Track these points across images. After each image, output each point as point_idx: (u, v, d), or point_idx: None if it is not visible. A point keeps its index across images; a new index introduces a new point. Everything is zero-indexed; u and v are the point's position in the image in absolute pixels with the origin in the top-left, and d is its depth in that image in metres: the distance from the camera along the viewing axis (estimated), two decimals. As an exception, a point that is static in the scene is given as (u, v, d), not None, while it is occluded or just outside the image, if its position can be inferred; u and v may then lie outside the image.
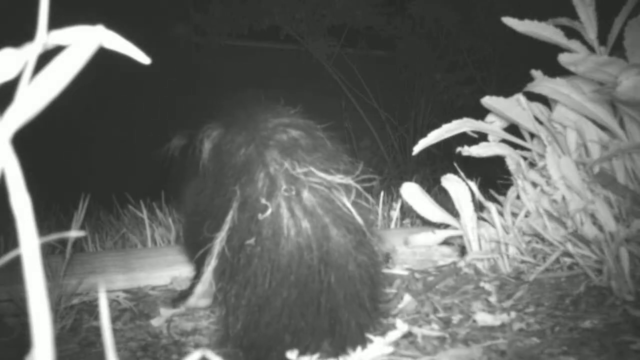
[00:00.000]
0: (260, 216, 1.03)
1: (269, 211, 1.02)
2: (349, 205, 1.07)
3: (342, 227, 1.06)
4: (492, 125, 1.74)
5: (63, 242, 1.69)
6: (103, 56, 0.57)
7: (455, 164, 1.72)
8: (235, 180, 1.09)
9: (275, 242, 1.02)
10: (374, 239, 1.13)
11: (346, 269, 1.04)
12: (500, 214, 1.61)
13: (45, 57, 0.42)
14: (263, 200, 1.03)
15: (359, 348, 1.04)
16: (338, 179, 1.08)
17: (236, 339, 1.06)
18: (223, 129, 1.25)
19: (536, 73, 1.65)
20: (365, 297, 1.07)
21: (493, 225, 1.59)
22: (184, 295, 1.45)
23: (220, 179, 1.15)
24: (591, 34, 1.59)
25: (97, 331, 1.31)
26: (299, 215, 1.03)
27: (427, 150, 1.86)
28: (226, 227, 1.07)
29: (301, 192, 1.04)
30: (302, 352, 1.01)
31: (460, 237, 1.69)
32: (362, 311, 1.07)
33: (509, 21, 1.64)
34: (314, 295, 1.02)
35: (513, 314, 1.22)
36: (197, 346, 1.18)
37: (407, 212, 2.55)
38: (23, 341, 1.26)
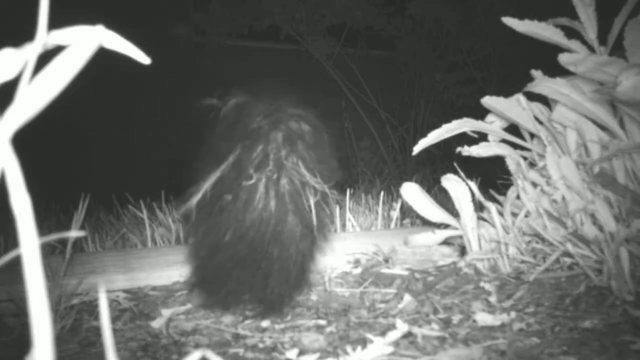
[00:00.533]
0: (243, 182, 1.23)
1: (251, 181, 1.23)
2: (312, 204, 1.27)
3: (299, 218, 1.27)
4: (492, 125, 1.74)
5: (63, 242, 1.69)
6: (103, 56, 0.57)
7: (455, 164, 1.72)
8: (240, 139, 1.27)
9: (245, 206, 1.23)
10: (319, 237, 1.34)
11: (288, 249, 1.27)
12: (500, 214, 1.61)
13: (45, 57, 0.42)
14: (251, 170, 1.22)
15: (280, 309, 1.32)
16: (315, 182, 1.27)
17: (195, 271, 1.35)
18: (250, 98, 1.43)
19: (536, 73, 1.65)
20: (293, 277, 1.30)
21: (493, 225, 1.59)
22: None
23: (231, 131, 1.33)
24: (591, 34, 1.60)
25: (97, 331, 1.31)
26: (271, 195, 1.24)
27: (427, 150, 1.86)
28: (217, 174, 1.26)
29: (281, 178, 1.24)
30: (238, 294, 1.30)
31: (460, 237, 1.69)
32: (286, 285, 1.30)
33: (509, 21, 1.64)
34: (258, 258, 1.26)
35: (513, 314, 1.22)
36: (197, 346, 1.18)
37: (407, 212, 2.55)
38: (23, 341, 1.26)
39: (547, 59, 1.55)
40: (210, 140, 1.45)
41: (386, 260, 1.74)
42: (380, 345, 1.07)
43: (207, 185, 1.26)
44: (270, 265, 1.27)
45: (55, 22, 0.44)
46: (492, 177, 1.95)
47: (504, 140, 1.74)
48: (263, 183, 1.23)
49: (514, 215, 1.61)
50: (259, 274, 1.28)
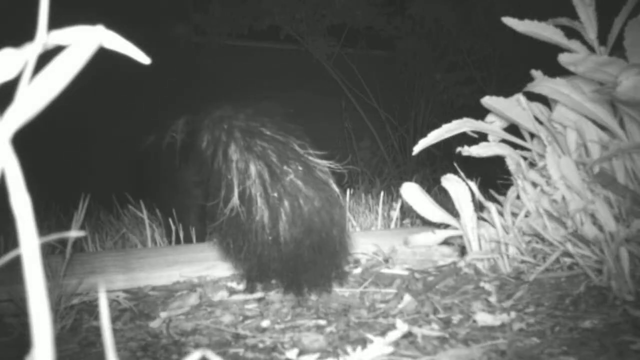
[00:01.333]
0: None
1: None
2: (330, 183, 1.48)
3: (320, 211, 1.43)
4: (492, 125, 1.74)
5: (63, 242, 1.69)
6: (103, 56, 0.57)
7: (455, 164, 1.72)
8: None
9: (270, 210, 1.39)
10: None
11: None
12: (500, 214, 1.61)
13: (45, 57, 0.42)
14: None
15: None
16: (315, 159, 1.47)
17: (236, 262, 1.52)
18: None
19: (536, 73, 1.65)
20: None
21: (493, 225, 1.59)
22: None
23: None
24: (591, 34, 1.59)
25: (97, 331, 1.31)
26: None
27: (427, 150, 1.86)
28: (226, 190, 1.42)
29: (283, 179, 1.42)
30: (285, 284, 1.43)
31: (460, 237, 1.69)
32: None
33: (509, 21, 1.64)
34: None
35: (513, 314, 1.22)
36: (197, 346, 1.18)
37: (407, 212, 2.55)
38: (23, 341, 1.26)
39: (547, 59, 1.55)
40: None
41: (386, 260, 1.74)
42: (380, 345, 1.07)
43: (221, 197, 1.40)
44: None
45: (55, 22, 0.44)
46: (492, 177, 1.95)
47: (504, 140, 1.74)
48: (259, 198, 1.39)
49: (514, 215, 1.61)
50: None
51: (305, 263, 1.39)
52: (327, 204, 1.41)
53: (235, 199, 1.39)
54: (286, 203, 1.38)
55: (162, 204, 2.38)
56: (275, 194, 1.38)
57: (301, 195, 1.39)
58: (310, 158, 1.45)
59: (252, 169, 1.41)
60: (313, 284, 1.41)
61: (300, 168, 1.42)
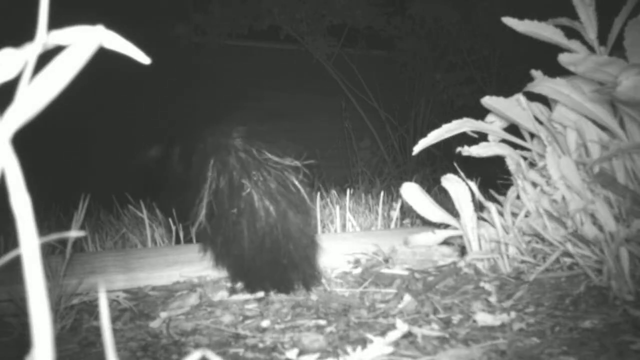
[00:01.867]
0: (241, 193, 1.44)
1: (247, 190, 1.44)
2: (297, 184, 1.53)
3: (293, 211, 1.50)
4: (492, 125, 1.74)
5: (63, 242, 1.69)
6: (103, 56, 0.57)
7: (455, 164, 1.72)
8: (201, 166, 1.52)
9: (251, 214, 1.45)
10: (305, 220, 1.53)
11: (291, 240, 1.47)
12: (500, 214, 1.61)
13: (45, 57, 0.42)
14: (243, 180, 1.46)
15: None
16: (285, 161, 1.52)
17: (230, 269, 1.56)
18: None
19: (536, 73, 1.65)
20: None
21: (493, 225, 1.59)
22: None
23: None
24: (591, 34, 1.59)
25: (97, 331, 1.31)
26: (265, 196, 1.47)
27: (427, 150, 1.86)
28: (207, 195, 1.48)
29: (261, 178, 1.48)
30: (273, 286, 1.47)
31: (460, 237, 1.69)
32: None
33: (509, 21, 1.64)
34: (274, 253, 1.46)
35: (513, 314, 1.22)
36: (197, 346, 1.18)
37: (407, 212, 2.55)
38: (23, 341, 1.26)
39: (547, 59, 1.55)
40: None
41: (386, 260, 1.74)
42: (380, 345, 1.07)
43: (204, 203, 1.47)
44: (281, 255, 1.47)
45: (55, 22, 0.44)
46: (492, 177, 1.95)
47: (504, 140, 1.74)
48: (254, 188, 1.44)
49: (514, 215, 1.61)
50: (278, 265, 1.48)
51: (264, 275, 1.48)
52: (283, 216, 1.46)
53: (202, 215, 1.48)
54: (244, 220, 1.45)
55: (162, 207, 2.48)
56: (234, 210, 1.45)
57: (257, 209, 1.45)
58: (272, 159, 1.50)
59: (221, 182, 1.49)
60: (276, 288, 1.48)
61: (260, 177, 1.47)
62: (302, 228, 1.49)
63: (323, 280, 1.57)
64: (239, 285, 1.55)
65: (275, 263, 1.46)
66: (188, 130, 1.83)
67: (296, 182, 1.49)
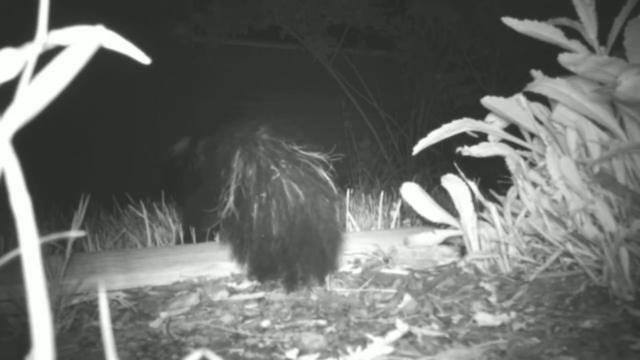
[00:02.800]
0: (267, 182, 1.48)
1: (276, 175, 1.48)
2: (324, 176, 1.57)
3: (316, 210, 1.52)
4: (492, 125, 1.74)
5: (63, 242, 1.69)
6: (103, 56, 0.57)
7: (455, 164, 1.72)
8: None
9: (277, 201, 1.47)
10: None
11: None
12: (500, 214, 1.61)
13: (45, 57, 0.42)
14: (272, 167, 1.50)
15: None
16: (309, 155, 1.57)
17: (246, 261, 1.56)
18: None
19: (536, 73, 1.65)
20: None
21: (493, 225, 1.59)
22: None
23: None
24: (591, 34, 1.59)
25: (97, 331, 1.31)
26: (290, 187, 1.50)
27: (427, 150, 1.86)
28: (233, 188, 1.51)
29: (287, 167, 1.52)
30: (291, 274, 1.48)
31: (460, 237, 1.69)
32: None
33: (509, 21, 1.64)
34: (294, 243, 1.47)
35: (513, 314, 1.22)
36: (197, 346, 1.18)
37: (407, 212, 2.55)
38: (23, 341, 1.26)
39: (547, 59, 1.55)
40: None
41: (386, 260, 1.74)
42: (380, 345, 1.07)
43: (232, 189, 1.50)
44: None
45: (55, 22, 0.44)
46: (492, 177, 1.95)
47: (504, 140, 1.74)
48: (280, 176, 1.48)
49: (514, 215, 1.61)
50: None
51: (289, 258, 1.48)
52: (313, 197, 1.49)
53: (230, 202, 1.50)
54: (273, 202, 1.47)
55: (181, 207, 2.51)
56: (264, 194, 1.47)
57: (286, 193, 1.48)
58: (300, 152, 1.53)
59: (249, 171, 1.50)
60: (302, 278, 1.49)
61: (288, 165, 1.50)
62: (330, 213, 1.52)
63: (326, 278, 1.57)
64: (265, 268, 1.55)
65: (306, 243, 1.46)
66: (210, 127, 1.85)
67: (323, 173, 1.53)
